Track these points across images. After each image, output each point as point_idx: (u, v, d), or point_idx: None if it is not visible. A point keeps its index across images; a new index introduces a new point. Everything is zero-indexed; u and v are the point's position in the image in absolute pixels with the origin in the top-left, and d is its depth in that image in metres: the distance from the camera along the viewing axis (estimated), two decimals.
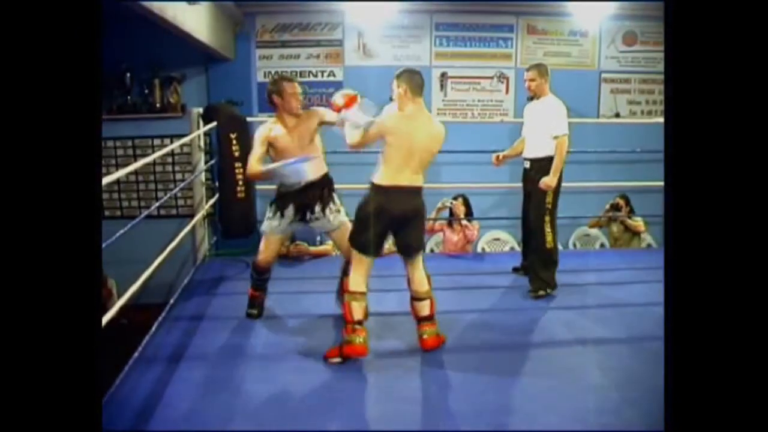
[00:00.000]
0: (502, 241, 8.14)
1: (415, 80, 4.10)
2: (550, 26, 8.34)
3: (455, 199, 7.01)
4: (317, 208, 4.57)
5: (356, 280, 4.08)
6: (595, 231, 8.11)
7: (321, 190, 4.58)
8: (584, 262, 6.37)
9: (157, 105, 7.85)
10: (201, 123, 6.15)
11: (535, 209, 5.35)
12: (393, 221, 4.03)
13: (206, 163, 6.57)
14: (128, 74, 7.73)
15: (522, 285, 5.44)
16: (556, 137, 5.17)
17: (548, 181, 5.18)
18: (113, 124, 7.69)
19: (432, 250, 7.51)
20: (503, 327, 4.62)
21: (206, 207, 6.40)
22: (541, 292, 5.24)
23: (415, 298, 4.18)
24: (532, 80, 5.37)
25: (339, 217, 4.62)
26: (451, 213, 7.04)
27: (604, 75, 8.54)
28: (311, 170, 4.36)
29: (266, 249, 4.76)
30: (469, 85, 8.28)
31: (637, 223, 7.44)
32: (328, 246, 6.55)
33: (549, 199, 5.26)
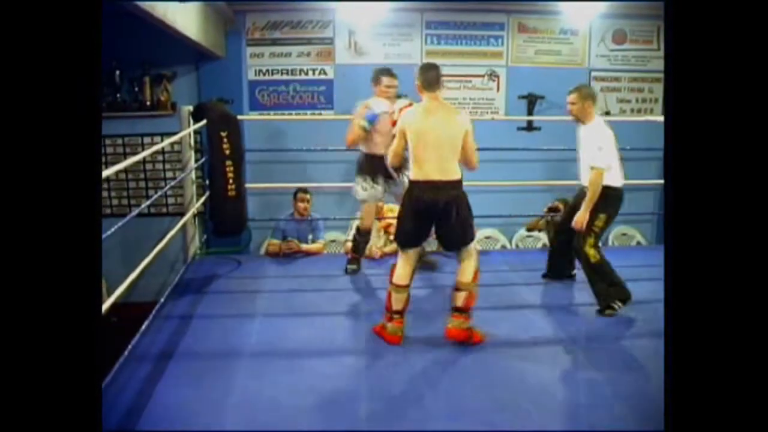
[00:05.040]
0: (493, 239, 8.16)
1: (427, 75, 4.22)
2: (540, 24, 8.35)
3: None
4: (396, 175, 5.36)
5: (400, 273, 4.25)
6: (534, 233, 7.88)
7: None
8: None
9: (148, 103, 7.82)
10: (191, 121, 6.13)
11: (579, 232, 4.95)
12: (429, 215, 4.14)
13: (197, 161, 6.56)
14: (117, 72, 7.69)
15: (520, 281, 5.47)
16: (592, 168, 4.85)
17: (579, 218, 4.89)
18: (103, 122, 7.56)
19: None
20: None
21: (197, 205, 6.39)
22: (609, 311, 4.80)
23: (455, 288, 4.26)
24: (572, 104, 5.01)
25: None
26: None
27: (594, 73, 8.56)
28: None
29: (368, 215, 5.71)
30: (460, 83, 8.27)
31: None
32: (319, 244, 6.55)
33: (600, 222, 4.91)
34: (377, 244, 6.46)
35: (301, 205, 6.51)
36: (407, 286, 4.26)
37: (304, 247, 6.45)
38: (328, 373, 3.83)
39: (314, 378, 3.76)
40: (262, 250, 7.21)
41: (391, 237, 6.33)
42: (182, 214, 6.34)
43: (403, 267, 4.26)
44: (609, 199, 4.88)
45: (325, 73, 8.18)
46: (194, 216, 6.42)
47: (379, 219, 6.37)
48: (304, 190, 6.59)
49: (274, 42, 8.08)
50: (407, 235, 4.26)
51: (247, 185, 6.12)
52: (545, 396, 3.60)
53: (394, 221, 4.79)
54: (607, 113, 8.55)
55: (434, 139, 4.07)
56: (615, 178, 4.93)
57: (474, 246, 4.32)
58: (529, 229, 7.63)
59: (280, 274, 5.90)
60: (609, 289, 4.84)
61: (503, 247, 8.01)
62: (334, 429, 3.27)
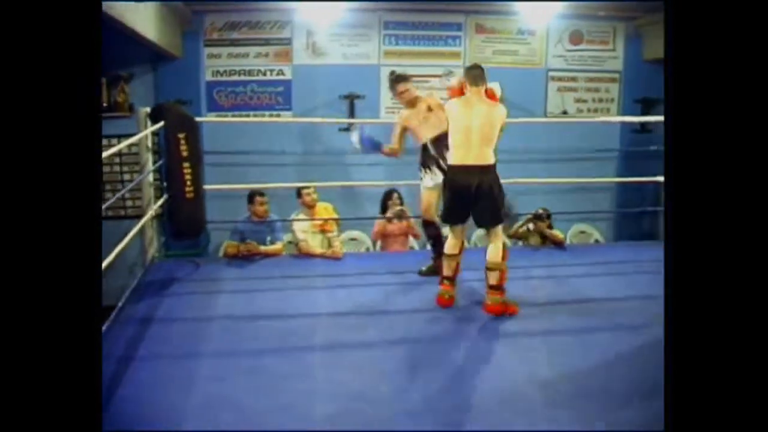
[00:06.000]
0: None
1: (471, 73, 4.79)
2: (498, 25, 8.44)
3: (391, 193, 7.17)
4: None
5: (449, 244, 4.93)
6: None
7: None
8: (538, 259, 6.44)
9: (104, 104, 7.72)
10: (149, 123, 6.07)
11: None
12: (463, 196, 4.67)
13: (154, 163, 6.49)
14: None
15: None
16: None
17: None
18: None
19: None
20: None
21: (155, 208, 6.32)
22: None
23: (487, 267, 4.72)
24: None
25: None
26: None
27: (551, 73, 8.66)
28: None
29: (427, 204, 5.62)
30: (417, 84, 8.28)
31: (558, 234, 7.20)
32: (278, 245, 6.52)
33: None
34: (312, 242, 6.53)
35: (260, 208, 6.48)
36: (456, 255, 4.88)
37: (263, 248, 6.41)
38: (288, 373, 3.82)
39: (275, 378, 3.75)
40: (221, 252, 7.16)
41: (329, 235, 6.56)
42: (140, 217, 6.27)
43: (451, 239, 4.92)
44: None
45: (283, 74, 8.18)
46: (152, 219, 6.36)
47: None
48: (261, 193, 6.56)
49: (232, 42, 8.06)
50: (449, 214, 4.89)
51: (206, 187, 6.07)
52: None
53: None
54: (564, 113, 8.65)
55: (470, 127, 4.63)
56: None
57: (500, 231, 4.82)
58: (511, 236, 7.66)
59: (239, 276, 5.86)
60: None
61: (475, 245, 8.05)
62: (295, 429, 3.27)
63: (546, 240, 7.04)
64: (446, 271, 4.89)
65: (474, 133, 4.61)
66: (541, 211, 7.06)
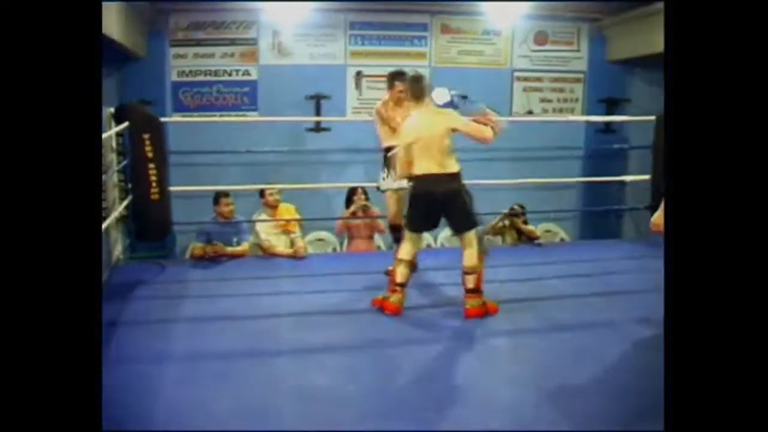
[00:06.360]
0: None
1: (413, 88, 4.83)
2: (463, 25, 8.47)
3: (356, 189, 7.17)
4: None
5: (405, 250, 4.87)
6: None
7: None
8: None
9: None
10: (113, 123, 6.01)
11: None
12: (430, 205, 4.74)
13: (119, 163, 6.43)
14: None
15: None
16: None
17: (657, 220, 4.21)
18: None
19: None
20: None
21: (119, 209, 6.26)
22: None
23: (464, 272, 4.73)
24: None
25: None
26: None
27: (516, 73, 8.72)
28: None
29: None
30: (384, 84, 8.30)
31: (533, 229, 7.42)
32: (244, 246, 6.50)
33: None
34: (276, 243, 6.56)
35: (226, 209, 6.45)
36: (410, 261, 4.85)
37: (229, 249, 6.39)
38: (256, 375, 3.81)
39: (242, 381, 3.74)
40: (188, 254, 7.12)
41: (292, 236, 6.60)
42: (105, 219, 6.22)
43: (408, 245, 4.87)
44: None
45: (249, 74, 8.14)
46: (117, 220, 6.30)
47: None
48: (227, 194, 6.54)
49: (198, 43, 8.00)
50: (412, 222, 4.87)
51: (171, 188, 6.04)
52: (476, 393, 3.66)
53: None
54: (530, 112, 8.71)
55: (423, 138, 4.64)
56: None
57: (474, 236, 4.76)
58: (486, 233, 7.71)
59: (205, 277, 5.84)
60: None
61: (428, 246, 8.06)
62: (264, 430, 3.26)
63: (522, 235, 7.17)
64: (399, 277, 4.81)
65: (429, 143, 4.64)
66: (516, 207, 7.21)
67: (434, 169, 4.64)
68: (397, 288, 4.80)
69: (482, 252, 4.90)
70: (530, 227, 7.37)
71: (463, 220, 4.76)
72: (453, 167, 4.68)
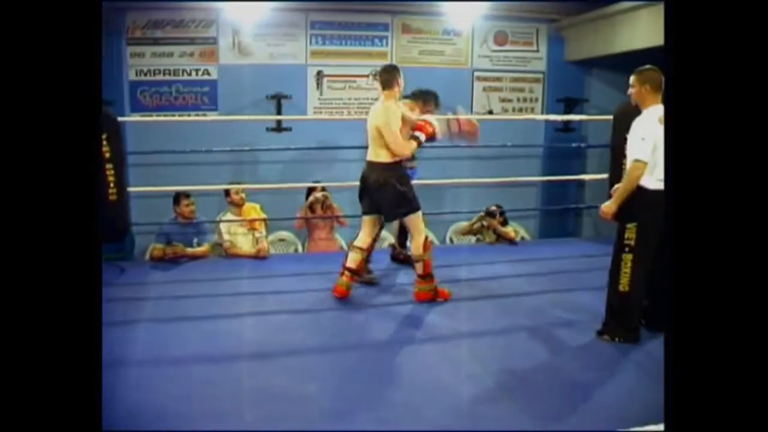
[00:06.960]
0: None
1: (381, 77, 5.03)
2: (424, 25, 8.49)
3: (322, 190, 7.15)
4: None
5: (360, 237, 5.24)
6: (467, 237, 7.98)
7: None
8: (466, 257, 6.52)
9: None
10: None
11: (615, 241, 4.29)
12: (363, 189, 5.09)
13: None
14: None
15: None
16: (634, 161, 4.10)
17: (604, 207, 4.28)
18: None
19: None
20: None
21: None
22: (606, 337, 4.30)
23: (413, 260, 5.13)
24: (631, 86, 4.27)
25: None
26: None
27: (477, 73, 8.76)
28: None
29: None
30: (345, 84, 8.32)
31: (510, 231, 7.48)
32: (205, 247, 6.46)
33: (631, 234, 4.18)
34: (241, 242, 6.56)
35: (186, 209, 6.40)
36: (363, 250, 5.19)
37: (189, 250, 6.34)
38: (216, 378, 3.79)
39: (202, 384, 3.71)
40: (147, 255, 7.04)
41: (257, 234, 6.63)
42: None
43: (363, 233, 5.22)
44: (639, 204, 4.13)
45: (208, 74, 8.06)
46: None
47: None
48: (187, 195, 6.48)
49: (156, 41, 7.90)
50: (361, 203, 5.20)
51: (130, 189, 5.97)
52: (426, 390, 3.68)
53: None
54: (490, 112, 8.76)
55: (371, 128, 4.93)
56: (650, 179, 4.09)
57: (418, 224, 5.01)
58: (464, 234, 7.76)
59: (164, 279, 5.79)
60: (617, 323, 4.31)
61: (390, 245, 8.05)
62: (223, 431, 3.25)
63: (499, 237, 7.23)
64: (350, 262, 5.13)
65: (373, 132, 4.92)
66: (494, 208, 7.26)
67: (371, 156, 4.98)
68: (347, 272, 5.12)
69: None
70: (507, 229, 7.42)
71: (390, 209, 5.01)
72: (385, 157, 4.90)
